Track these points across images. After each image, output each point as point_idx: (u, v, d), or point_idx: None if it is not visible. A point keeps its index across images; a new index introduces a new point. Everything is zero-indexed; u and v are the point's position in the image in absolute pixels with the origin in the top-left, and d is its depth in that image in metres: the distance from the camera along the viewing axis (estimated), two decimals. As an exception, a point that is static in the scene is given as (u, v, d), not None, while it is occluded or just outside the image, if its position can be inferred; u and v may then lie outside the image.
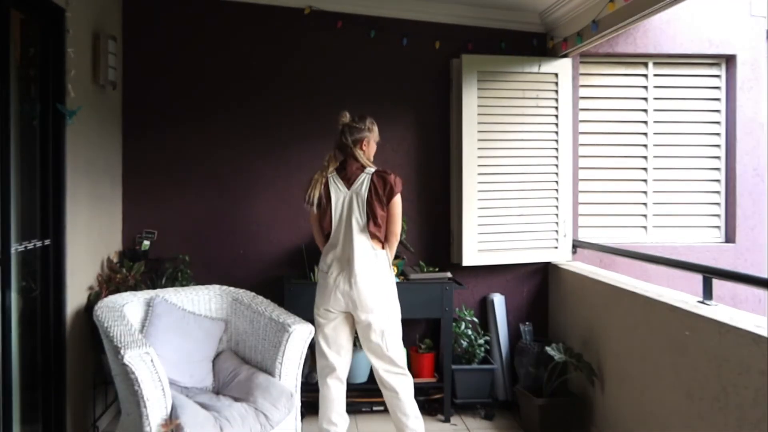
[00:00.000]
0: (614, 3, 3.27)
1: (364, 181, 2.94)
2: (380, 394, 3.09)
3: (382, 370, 3.00)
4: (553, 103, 3.98)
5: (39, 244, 2.85)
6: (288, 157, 3.99)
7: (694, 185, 4.40)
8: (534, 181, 3.98)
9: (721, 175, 4.38)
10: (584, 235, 4.26)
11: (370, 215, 2.92)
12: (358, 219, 2.92)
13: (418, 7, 4.00)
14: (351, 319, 3.02)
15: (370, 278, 2.91)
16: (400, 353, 3.02)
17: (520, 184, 3.97)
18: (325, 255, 3.01)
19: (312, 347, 2.98)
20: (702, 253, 4.21)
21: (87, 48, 3.24)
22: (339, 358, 3.03)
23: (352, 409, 3.52)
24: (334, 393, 3.04)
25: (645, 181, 4.38)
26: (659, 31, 4.26)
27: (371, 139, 3.03)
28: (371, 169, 2.97)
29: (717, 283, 2.69)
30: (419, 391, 3.45)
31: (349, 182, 2.96)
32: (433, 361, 3.83)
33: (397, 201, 2.97)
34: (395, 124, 4.02)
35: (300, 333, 2.80)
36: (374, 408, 3.68)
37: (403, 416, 3.00)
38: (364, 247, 2.92)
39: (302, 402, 2.94)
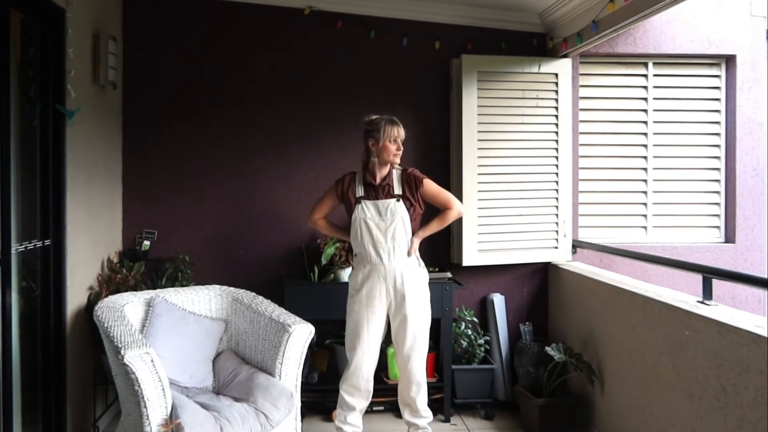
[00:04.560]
0: (614, 3, 3.27)
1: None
2: (381, 395, 3.10)
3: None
4: (553, 103, 3.98)
5: (39, 244, 2.86)
6: (288, 157, 3.99)
7: (694, 185, 4.40)
8: (534, 181, 3.99)
9: (721, 175, 4.38)
10: (584, 235, 4.26)
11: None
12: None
13: (418, 8, 4.00)
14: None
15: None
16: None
17: (520, 184, 3.97)
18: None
19: (312, 347, 2.99)
20: (702, 253, 4.22)
21: (87, 48, 3.24)
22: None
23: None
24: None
25: (645, 181, 4.38)
26: (659, 31, 4.26)
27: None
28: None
29: (717, 283, 2.70)
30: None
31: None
32: (433, 361, 3.83)
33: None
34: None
35: (300, 333, 2.80)
36: (374, 408, 3.68)
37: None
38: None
39: (302, 402, 2.94)
